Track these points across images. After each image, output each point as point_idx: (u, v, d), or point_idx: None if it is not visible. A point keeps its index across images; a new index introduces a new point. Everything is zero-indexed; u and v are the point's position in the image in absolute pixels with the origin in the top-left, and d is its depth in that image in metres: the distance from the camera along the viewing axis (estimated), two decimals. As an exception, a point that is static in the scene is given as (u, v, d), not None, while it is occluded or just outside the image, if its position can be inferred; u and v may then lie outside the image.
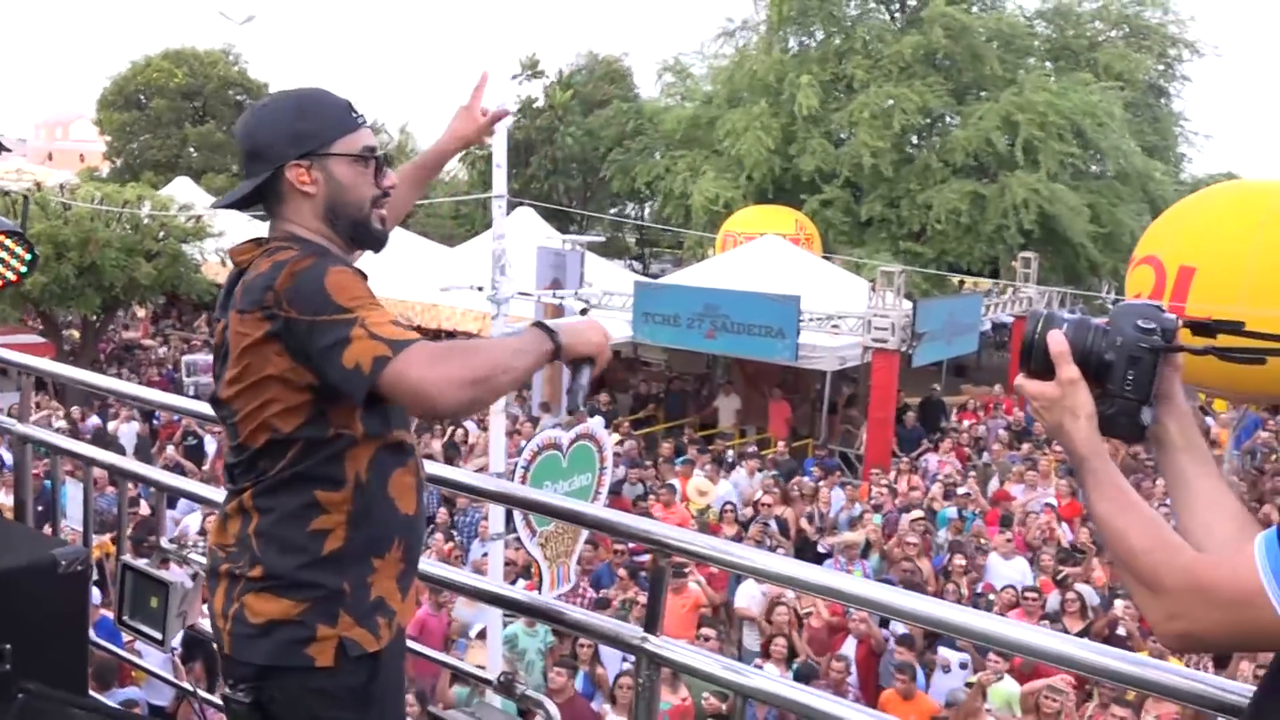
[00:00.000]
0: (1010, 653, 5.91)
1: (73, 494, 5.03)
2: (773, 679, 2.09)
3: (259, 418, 1.77)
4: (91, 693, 3.02)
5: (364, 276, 1.80)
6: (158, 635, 2.77)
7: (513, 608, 2.41)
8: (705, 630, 7.38)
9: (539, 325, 1.79)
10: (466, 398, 1.69)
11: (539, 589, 6.05)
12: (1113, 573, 9.47)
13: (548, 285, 15.74)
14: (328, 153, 1.83)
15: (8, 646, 2.56)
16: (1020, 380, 1.41)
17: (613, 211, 30.72)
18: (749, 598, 8.47)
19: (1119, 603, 8.51)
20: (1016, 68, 22.98)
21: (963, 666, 7.75)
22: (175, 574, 3.04)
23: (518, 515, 5.74)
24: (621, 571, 8.68)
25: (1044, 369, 1.37)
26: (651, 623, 2.10)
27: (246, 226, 20.80)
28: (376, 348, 1.65)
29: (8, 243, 3.18)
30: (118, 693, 6.19)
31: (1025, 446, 13.40)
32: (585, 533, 6.32)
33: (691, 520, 10.32)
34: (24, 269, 3.23)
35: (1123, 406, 1.36)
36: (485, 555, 7.87)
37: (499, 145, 5.68)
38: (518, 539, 6.37)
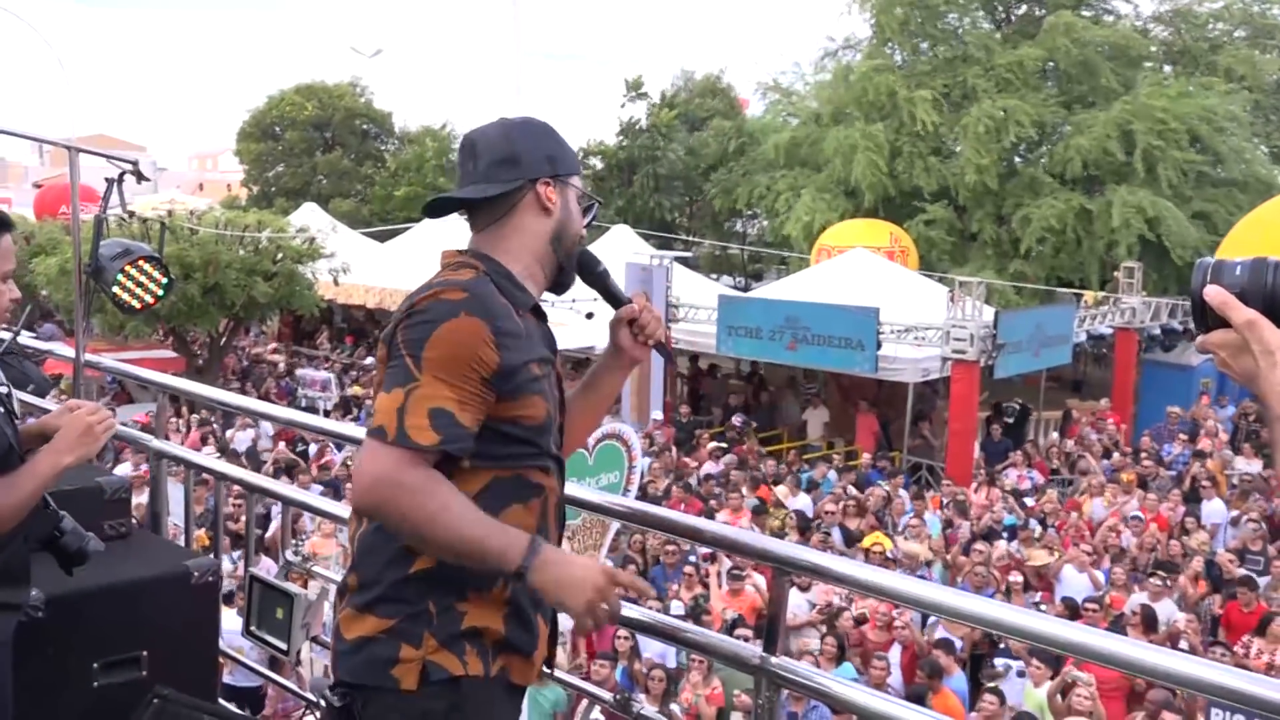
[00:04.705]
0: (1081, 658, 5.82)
1: (176, 495, 5.54)
2: (900, 704, 2.06)
3: None
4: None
5: (542, 316, 1.88)
6: (282, 645, 2.87)
7: (630, 626, 2.29)
8: (742, 631, 7.55)
9: (531, 545, 1.71)
10: (379, 520, 1.73)
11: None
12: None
13: (636, 300, 16.19)
14: (569, 183, 1.91)
15: (144, 653, 2.68)
16: (1201, 338, 1.30)
17: (725, 228, 30.99)
18: (794, 607, 8.57)
19: (1181, 616, 8.29)
20: (1130, 80, 22.26)
21: (1020, 675, 7.72)
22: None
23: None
24: (688, 569, 8.91)
25: (1221, 322, 1.26)
26: (771, 642, 2.08)
27: (360, 247, 21.99)
28: (390, 420, 1.67)
29: (147, 267, 3.41)
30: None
31: (1115, 457, 13.05)
32: (615, 526, 6.61)
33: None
34: (161, 291, 3.46)
35: None
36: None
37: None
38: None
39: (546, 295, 1.98)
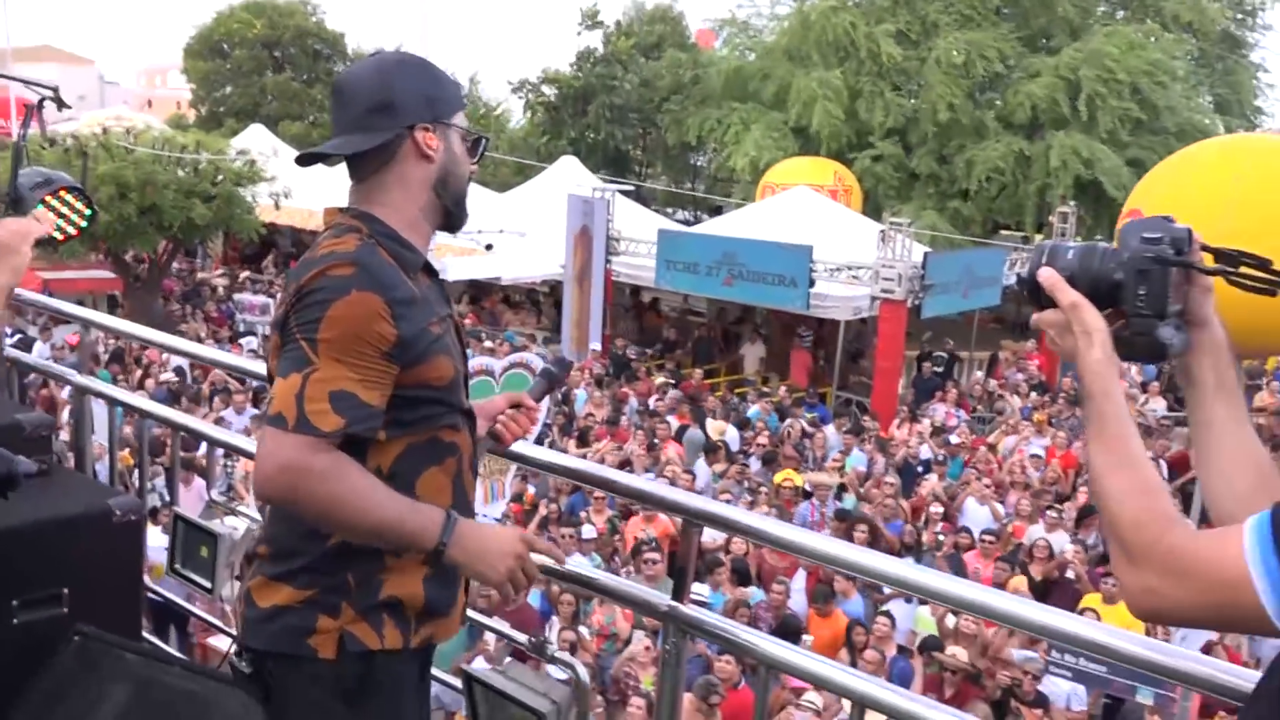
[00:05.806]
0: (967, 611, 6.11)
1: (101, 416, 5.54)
2: (797, 651, 2.13)
3: None
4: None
5: (433, 273, 1.84)
6: (207, 584, 2.86)
7: (545, 573, 2.25)
8: (651, 554, 7.83)
9: (447, 519, 1.72)
10: (287, 508, 1.69)
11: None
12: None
13: (578, 231, 16.28)
14: (450, 123, 1.81)
15: (65, 590, 2.65)
16: (1035, 316, 1.36)
17: (679, 161, 30.92)
18: (710, 534, 8.89)
19: (1069, 546, 8.72)
20: (1086, 14, 22.52)
21: (908, 600, 8.11)
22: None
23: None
24: (598, 494, 9.15)
25: (1053, 302, 1.33)
26: (679, 590, 2.12)
27: (305, 170, 21.70)
28: (289, 407, 1.62)
29: (69, 198, 3.27)
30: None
31: (1033, 397, 13.49)
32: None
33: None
34: (84, 223, 3.34)
35: (1138, 325, 1.29)
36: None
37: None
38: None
39: (441, 235, 1.95)
